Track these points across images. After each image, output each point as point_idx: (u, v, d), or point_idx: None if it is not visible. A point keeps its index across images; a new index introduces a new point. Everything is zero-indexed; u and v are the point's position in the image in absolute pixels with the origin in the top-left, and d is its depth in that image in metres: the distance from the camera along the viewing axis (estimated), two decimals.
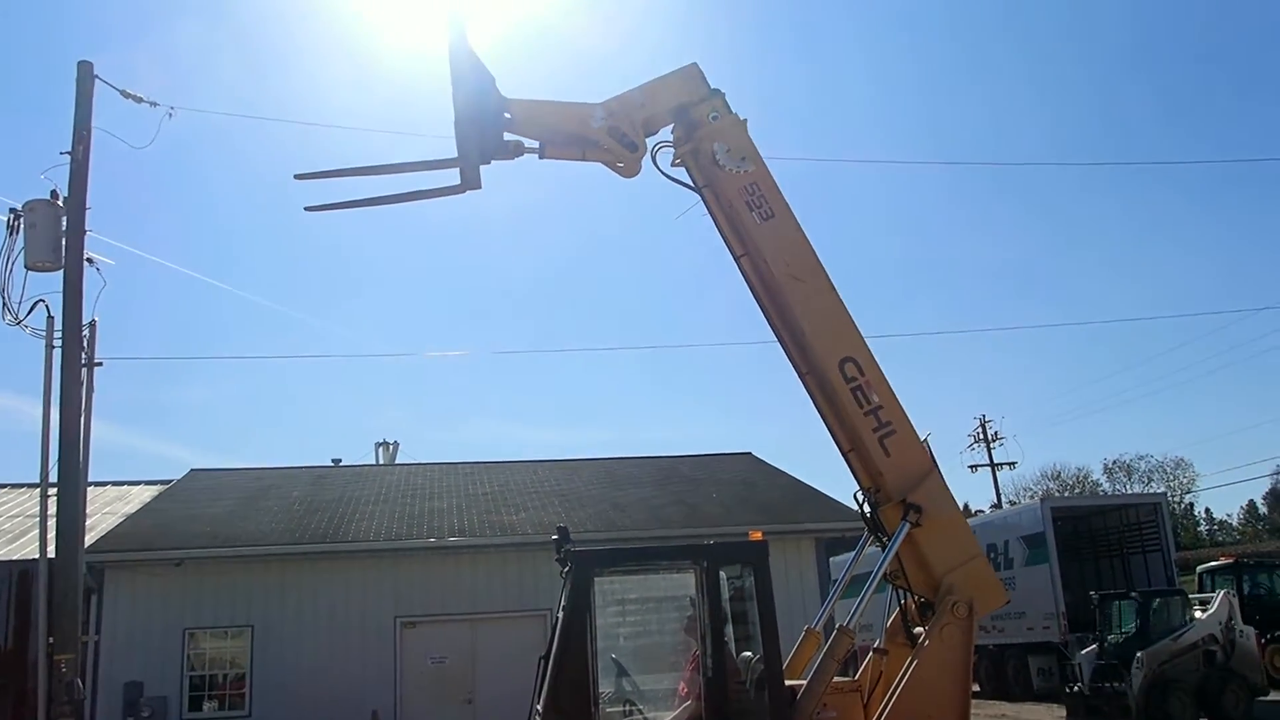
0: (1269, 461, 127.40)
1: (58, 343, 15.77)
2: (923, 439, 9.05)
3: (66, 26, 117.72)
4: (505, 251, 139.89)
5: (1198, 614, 19.31)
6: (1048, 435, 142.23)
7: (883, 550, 8.75)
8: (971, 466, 60.47)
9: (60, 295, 15.80)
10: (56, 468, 15.50)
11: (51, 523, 15.51)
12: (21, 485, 29.07)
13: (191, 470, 30.60)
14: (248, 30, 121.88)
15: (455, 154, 9.02)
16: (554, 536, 8.41)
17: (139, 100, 16.89)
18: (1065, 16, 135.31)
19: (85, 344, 16.07)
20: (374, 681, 21.76)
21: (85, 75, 16.33)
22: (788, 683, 8.02)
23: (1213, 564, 25.92)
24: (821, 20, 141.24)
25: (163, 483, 30.30)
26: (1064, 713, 20.79)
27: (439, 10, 9.94)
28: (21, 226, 15.74)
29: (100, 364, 16.61)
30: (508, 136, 9.09)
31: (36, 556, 16.27)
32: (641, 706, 8.25)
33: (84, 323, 15.99)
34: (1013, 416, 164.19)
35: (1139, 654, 18.15)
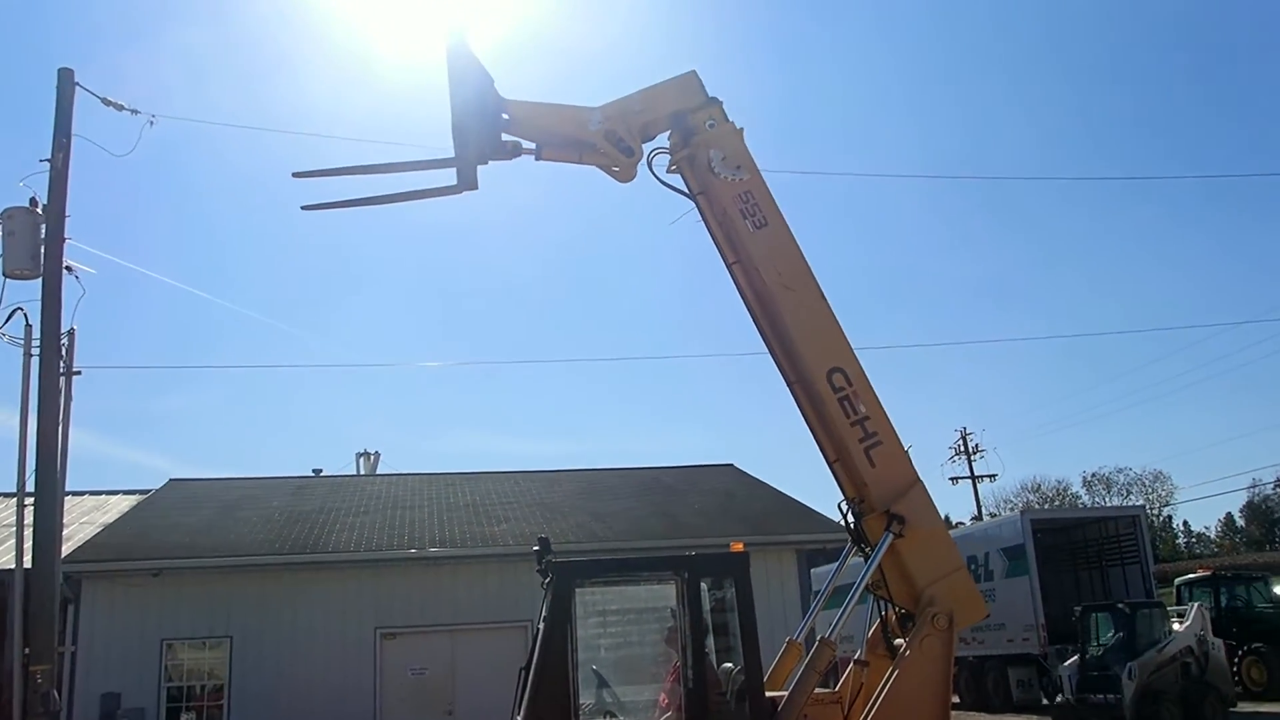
0: (1246, 475, 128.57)
1: (36, 351, 15.67)
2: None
3: (51, 33, 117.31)
4: (486, 263, 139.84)
5: (1175, 626, 19.44)
6: (1027, 448, 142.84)
7: (866, 561, 8.76)
8: (952, 478, 60.68)
9: (39, 303, 15.72)
10: (34, 477, 15.38)
11: (28, 532, 15.38)
12: None
13: (170, 480, 30.45)
14: (238, 37, 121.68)
15: (451, 155, 9.04)
16: (535, 547, 8.40)
17: (120, 108, 16.83)
18: (1046, 31, 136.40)
19: (64, 352, 15.97)
20: (354, 693, 21.65)
21: (66, 82, 16.25)
22: (768, 694, 8.01)
23: (1190, 576, 26.07)
24: (802, 31, 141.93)
25: (141, 492, 30.13)
26: None
27: (439, 12, 9.98)
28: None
29: (79, 373, 16.54)
30: (505, 137, 9.12)
31: (12, 566, 16.10)
32: (622, 718, 8.24)
33: (62, 331, 15.89)
34: (993, 430, 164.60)
35: (1130, 664, 18.25)
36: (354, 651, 22.09)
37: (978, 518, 58.19)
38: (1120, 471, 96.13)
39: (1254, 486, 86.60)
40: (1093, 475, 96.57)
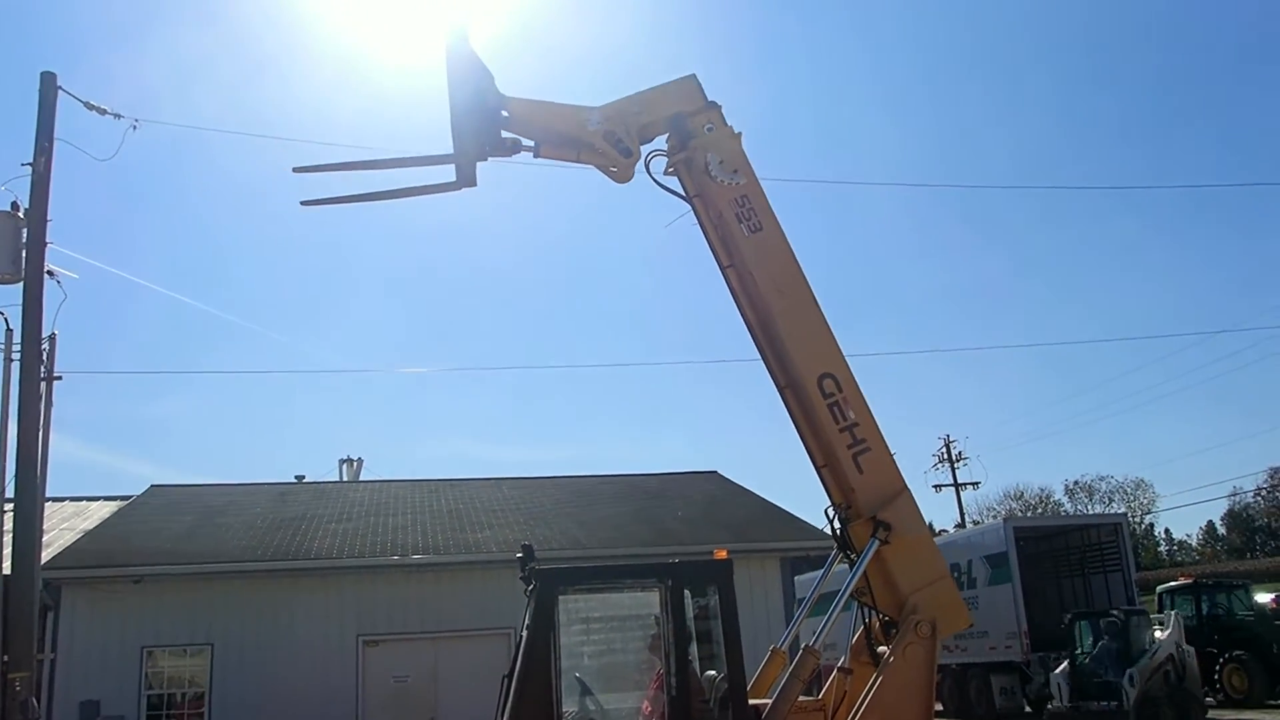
0: (1227, 483, 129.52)
1: (16, 355, 15.59)
2: None
3: (37, 36, 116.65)
4: (471, 268, 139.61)
5: (1158, 634, 19.55)
6: (1009, 456, 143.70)
7: (851, 568, 8.77)
8: (936, 486, 60.92)
9: (20, 308, 15.63)
10: (13, 483, 15.29)
11: (7, 538, 15.29)
12: None
13: (152, 486, 30.31)
14: (226, 39, 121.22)
15: (450, 152, 9.05)
16: (519, 554, 8.37)
17: (103, 112, 16.78)
18: (1027, 40, 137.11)
19: (44, 357, 15.89)
20: (335, 701, 21.57)
21: (48, 86, 16.19)
22: (752, 702, 8.00)
23: (1172, 584, 26.16)
24: (783, 33, 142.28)
25: (122, 498, 29.99)
26: None
27: (437, 11, 9.98)
28: None
29: (60, 378, 16.45)
30: (504, 135, 9.14)
31: None
32: None
33: (43, 336, 15.81)
34: (975, 438, 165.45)
35: (1131, 671, 18.38)
36: (336, 659, 22.01)
37: (961, 525, 58.39)
38: (1102, 479, 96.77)
39: (1235, 495, 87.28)
40: (1075, 483, 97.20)
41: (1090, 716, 19.13)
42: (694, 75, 9.56)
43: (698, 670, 8.06)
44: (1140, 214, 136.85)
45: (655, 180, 9.50)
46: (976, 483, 61.27)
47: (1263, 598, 24.94)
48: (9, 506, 15.32)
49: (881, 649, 8.70)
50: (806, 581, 24.46)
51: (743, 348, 9.45)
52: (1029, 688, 22.41)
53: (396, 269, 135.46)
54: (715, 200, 9.24)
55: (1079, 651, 20.05)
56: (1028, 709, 22.61)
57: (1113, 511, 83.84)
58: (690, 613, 7.96)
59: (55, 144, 16.11)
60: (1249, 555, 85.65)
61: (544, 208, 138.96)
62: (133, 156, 16.47)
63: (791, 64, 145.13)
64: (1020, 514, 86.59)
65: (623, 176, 9.27)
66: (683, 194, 9.48)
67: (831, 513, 9.11)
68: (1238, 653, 22.09)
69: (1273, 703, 20.98)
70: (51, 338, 16.16)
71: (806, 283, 9.23)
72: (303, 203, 9.53)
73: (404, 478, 33.46)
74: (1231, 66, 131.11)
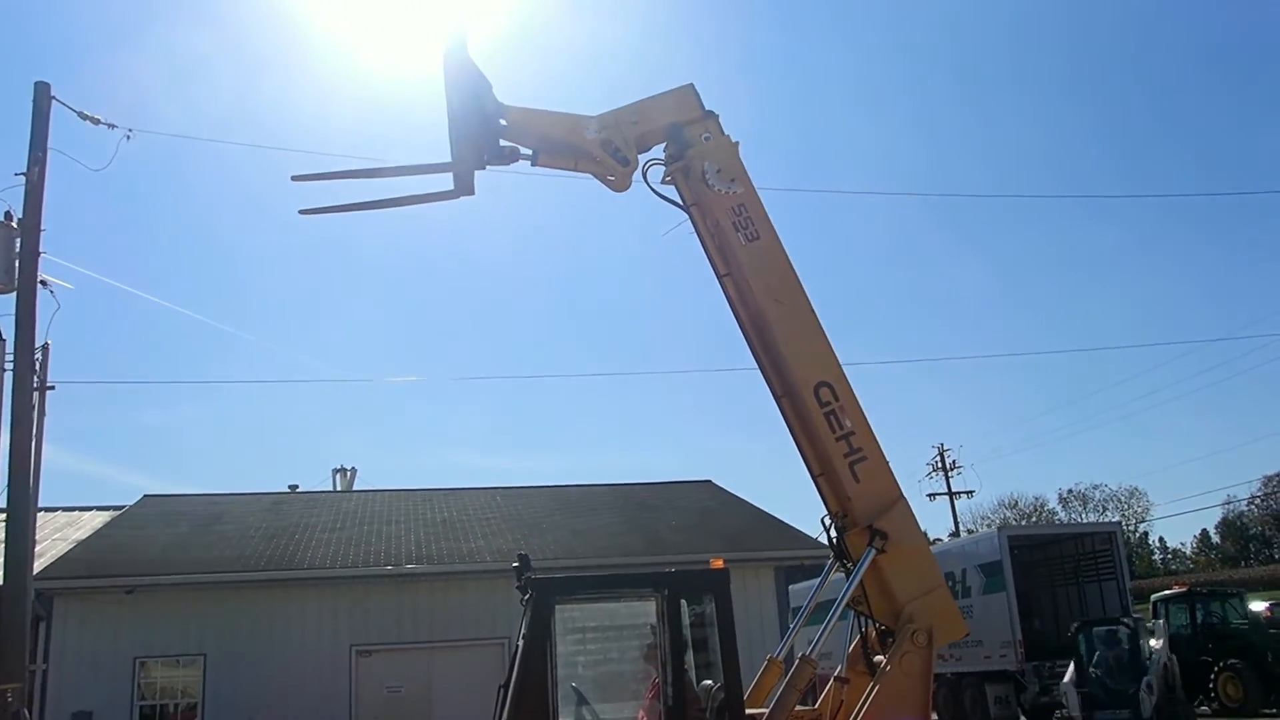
0: (1221, 491, 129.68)
1: (9, 366, 15.54)
2: None
3: (33, 43, 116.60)
4: (464, 277, 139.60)
5: (1153, 644, 19.56)
6: (1003, 465, 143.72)
7: (847, 578, 8.76)
8: (930, 495, 60.92)
9: (13, 318, 15.59)
10: (6, 493, 15.26)
11: (0, 549, 15.23)
12: None
13: (144, 496, 30.19)
14: (223, 45, 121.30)
15: (448, 160, 9.05)
16: (514, 564, 8.35)
17: (96, 122, 16.76)
18: (1007, 50, 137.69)
19: (38, 368, 15.85)
20: (329, 711, 21.48)
21: (42, 95, 16.16)
22: (749, 711, 7.98)
23: (1166, 592, 26.15)
24: (764, 43, 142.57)
25: (115, 508, 29.90)
26: None
27: (435, 18, 9.99)
28: None
29: (53, 388, 16.44)
30: (503, 143, 9.14)
31: None
32: None
33: (36, 346, 15.77)
34: (969, 447, 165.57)
35: (1147, 679, 18.42)
36: (329, 669, 21.93)
37: (955, 534, 58.41)
38: (1096, 488, 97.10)
39: (1229, 503, 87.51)
40: (1069, 492, 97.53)
41: None
42: (691, 85, 9.57)
43: (694, 680, 8.04)
44: (1124, 226, 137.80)
45: (653, 189, 9.51)
46: (970, 491, 61.45)
47: (1257, 606, 24.98)
48: (1, 517, 15.27)
49: (878, 658, 8.70)
50: (801, 591, 24.44)
51: (738, 356, 9.45)
52: (1024, 697, 22.38)
53: (390, 278, 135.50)
54: (712, 209, 9.24)
55: (1093, 660, 20.00)
56: (1022, 718, 22.58)
57: (1107, 520, 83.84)
58: (686, 622, 7.94)
59: (49, 153, 16.10)
60: (1243, 564, 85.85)
61: (540, 217, 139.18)
62: (126, 164, 16.44)
63: (773, 74, 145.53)
64: (1015, 523, 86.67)
65: (620, 185, 9.27)
66: (680, 203, 9.48)
67: (828, 521, 9.11)
68: (1232, 661, 22.12)
69: (1268, 711, 20.99)
70: (44, 348, 16.15)
71: (803, 291, 9.24)
72: (301, 211, 9.52)
73: (397, 487, 33.39)
74: (1203, 78, 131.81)
